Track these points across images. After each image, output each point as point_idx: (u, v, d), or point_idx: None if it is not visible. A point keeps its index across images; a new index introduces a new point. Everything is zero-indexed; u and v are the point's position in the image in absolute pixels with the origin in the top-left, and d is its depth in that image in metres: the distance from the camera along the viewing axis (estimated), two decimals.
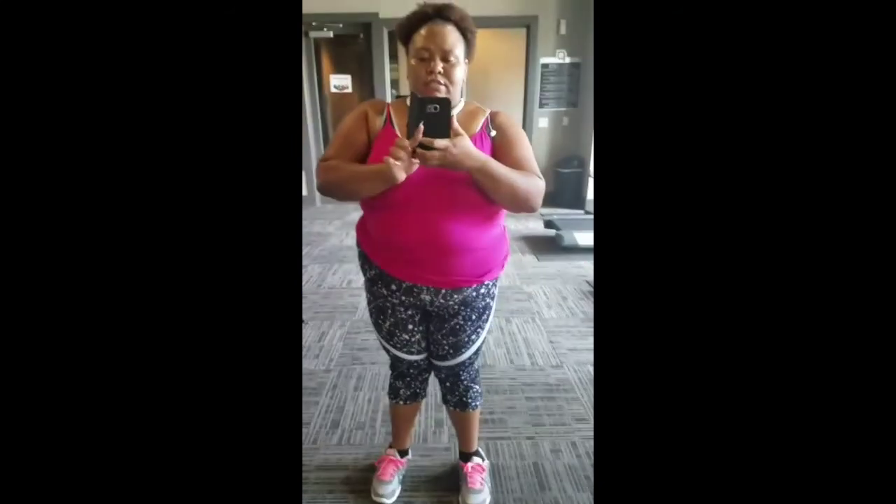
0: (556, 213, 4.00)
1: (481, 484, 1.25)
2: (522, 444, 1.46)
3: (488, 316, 1.09)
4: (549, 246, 3.29)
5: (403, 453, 1.35)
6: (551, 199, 4.33)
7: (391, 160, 0.80)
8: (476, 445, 1.32)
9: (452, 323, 1.05)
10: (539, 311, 2.35)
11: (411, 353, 1.12)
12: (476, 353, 1.13)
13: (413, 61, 0.90)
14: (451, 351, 1.09)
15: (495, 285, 1.08)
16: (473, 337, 1.09)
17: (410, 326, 1.08)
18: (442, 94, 0.89)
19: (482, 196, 0.89)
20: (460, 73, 0.90)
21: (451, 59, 0.88)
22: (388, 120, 0.96)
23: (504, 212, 0.99)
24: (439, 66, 0.88)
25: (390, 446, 1.35)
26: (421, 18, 0.90)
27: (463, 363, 1.12)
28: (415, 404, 1.26)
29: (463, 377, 1.16)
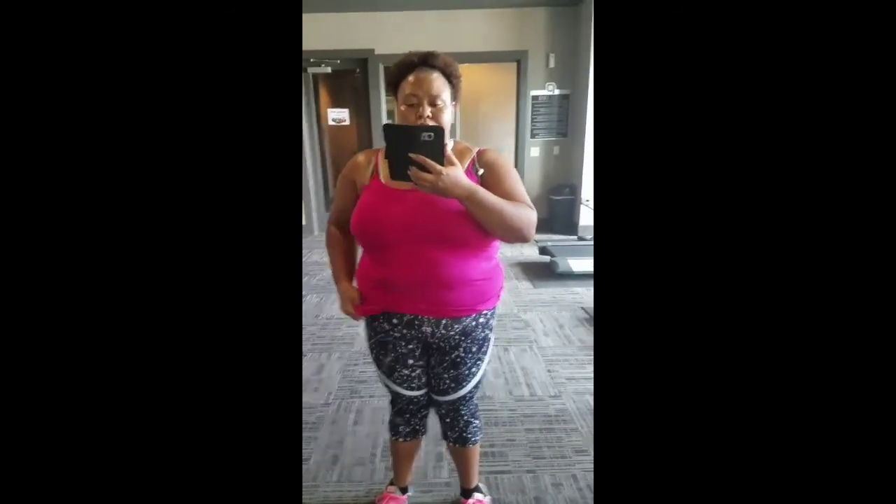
0: (550, 239, 4.06)
1: None
2: (523, 477, 1.46)
3: (487, 348, 1.11)
4: (544, 272, 3.33)
5: (404, 490, 1.35)
6: (545, 226, 4.40)
7: (344, 308, 1.06)
8: (477, 481, 1.32)
9: (453, 356, 1.07)
10: (536, 339, 2.37)
11: (411, 389, 1.13)
12: (476, 386, 1.14)
13: (403, 107, 0.95)
14: (453, 385, 1.11)
15: (493, 316, 1.10)
16: (474, 370, 1.11)
17: (411, 361, 1.10)
18: None
19: (475, 229, 0.93)
20: (447, 116, 0.95)
21: (438, 103, 0.93)
22: (376, 170, 1.01)
23: (498, 244, 1.03)
24: (427, 111, 0.92)
25: (391, 483, 1.35)
26: (408, 66, 0.96)
27: (464, 397, 1.14)
28: (415, 440, 1.26)
29: (463, 412, 1.17)
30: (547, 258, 3.45)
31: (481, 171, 0.98)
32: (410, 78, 0.94)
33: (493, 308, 1.08)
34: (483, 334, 1.08)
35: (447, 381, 1.10)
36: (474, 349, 1.08)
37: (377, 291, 1.02)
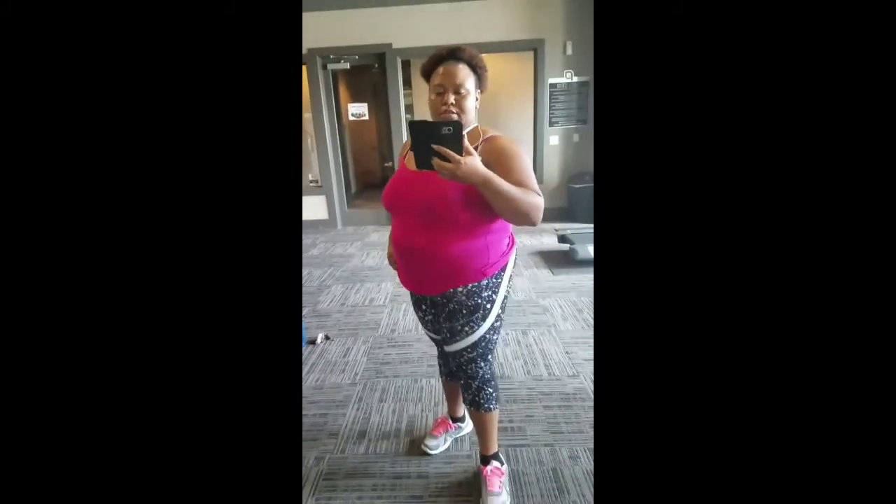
0: (570, 227, 4.06)
1: (499, 487, 1.32)
2: (541, 450, 1.52)
3: (482, 315, 1.18)
4: (563, 260, 3.35)
5: (457, 419, 1.59)
6: (564, 214, 4.40)
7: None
8: (495, 449, 1.39)
9: (449, 307, 1.18)
10: (555, 324, 2.41)
11: (428, 330, 1.35)
12: (474, 348, 1.21)
13: (432, 96, 1.11)
14: (449, 335, 1.22)
15: (491, 289, 1.17)
16: (466, 329, 1.19)
17: (423, 306, 1.30)
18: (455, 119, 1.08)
19: (463, 209, 1.06)
20: (470, 102, 1.10)
21: (462, 91, 1.08)
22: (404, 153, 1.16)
23: (493, 227, 1.13)
24: (451, 98, 1.07)
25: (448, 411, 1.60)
26: (437, 60, 1.11)
27: (462, 354, 1.22)
28: (455, 382, 1.40)
29: (470, 373, 1.25)
30: (566, 246, 3.47)
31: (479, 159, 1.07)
32: (440, 70, 1.10)
33: (481, 280, 1.15)
34: (473, 302, 1.16)
35: (445, 331, 1.22)
36: (464, 311, 1.16)
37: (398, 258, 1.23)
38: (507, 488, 1.34)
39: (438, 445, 1.54)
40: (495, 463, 1.36)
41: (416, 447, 1.55)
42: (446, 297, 1.17)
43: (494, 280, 1.17)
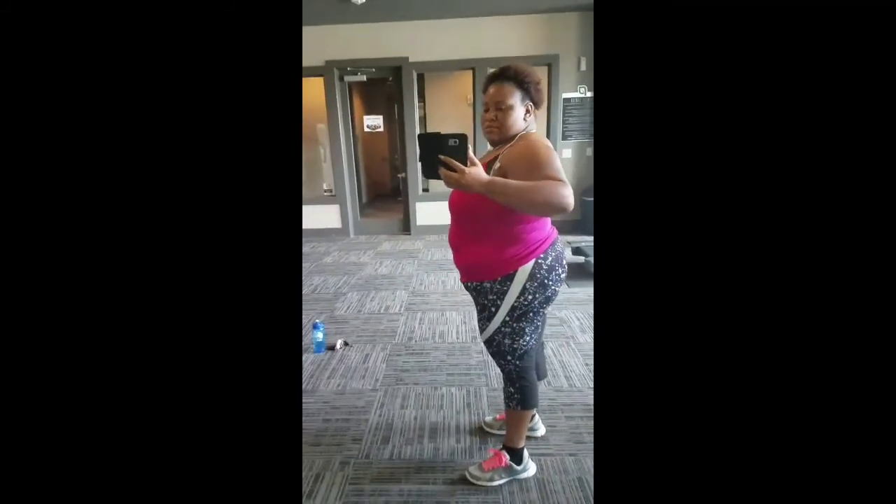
0: (584, 240, 4.07)
1: (488, 469, 1.42)
2: (566, 460, 1.52)
3: (488, 316, 1.29)
4: (578, 272, 3.36)
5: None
6: (578, 227, 4.42)
7: None
8: (511, 444, 1.42)
9: (472, 297, 1.33)
10: (573, 336, 2.41)
11: None
12: (490, 344, 1.32)
13: (484, 113, 1.23)
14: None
15: (496, 294, 1.23)
16: (479, 325, 1.33)
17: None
18: (494, 135, 1.20)
19: (478, 218, 1.18)
20: (514, 116, 1.19)
21: (503, 107, 1.18)
22: None
23: (504, 232, 1.18)
24: (491, 116, 1.20)
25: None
26: (489, 79, 1.22)
27: (487, 346, 1.34)
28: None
29: (497, 364, 1.37)
30: (581, 258, 3.48)
31: (496, 166, 1.16)
32: (490, 89, 1.21)
33: (483, 281, 1.24)
34: (483, 300, 1.27)
35: None
36: (478, 306, 1.32)
37: None
38: (501, 479, 1.41)
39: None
40: (506, 454, 1.42)
41: (440, 454, 1.55)
42: (468, 287, 1.31)
43: (499, 286, 1.22)
